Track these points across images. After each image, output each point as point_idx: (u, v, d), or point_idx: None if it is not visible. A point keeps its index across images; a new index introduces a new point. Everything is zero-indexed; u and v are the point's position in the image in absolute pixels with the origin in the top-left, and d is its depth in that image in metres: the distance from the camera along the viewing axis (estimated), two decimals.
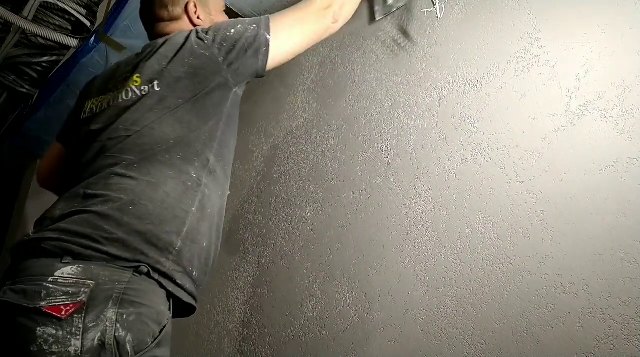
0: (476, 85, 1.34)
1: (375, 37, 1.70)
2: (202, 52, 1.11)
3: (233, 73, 1.13)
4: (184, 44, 1.13)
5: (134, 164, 1.05)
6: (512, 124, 1.23)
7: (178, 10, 1.29)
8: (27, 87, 2.91)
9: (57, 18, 2.55)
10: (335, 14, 1.23)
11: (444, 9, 1.45)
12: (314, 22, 1.21)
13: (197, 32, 1.15)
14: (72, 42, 2.50)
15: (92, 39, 2.27)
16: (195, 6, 1.29)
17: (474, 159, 1.28)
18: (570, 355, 0.98)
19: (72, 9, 2.46)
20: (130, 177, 1.03)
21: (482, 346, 1.10)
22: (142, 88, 1.12)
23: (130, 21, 2.17)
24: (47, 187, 1.36)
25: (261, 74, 1.17)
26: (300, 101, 1.91)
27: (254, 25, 1.15)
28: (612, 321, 0.95)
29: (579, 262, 1.02)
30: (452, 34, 1.45)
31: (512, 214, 1.16)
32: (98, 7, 2.48)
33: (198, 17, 1.29)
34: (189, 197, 1.06)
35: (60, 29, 2.55)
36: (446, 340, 1.17)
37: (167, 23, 1.28)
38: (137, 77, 1.13)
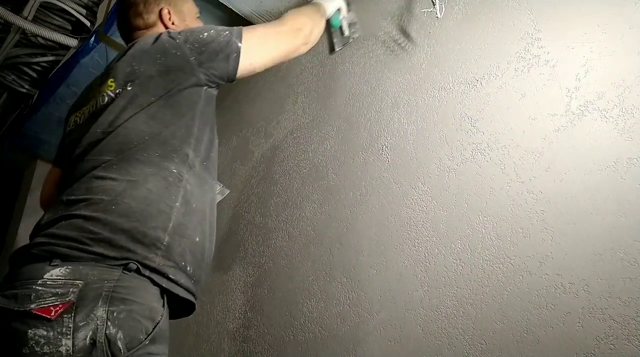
0: (476, 85, 1.34)
1: (375, 37, 1.70)
2: (174, 51, 1.13)
3: (205, 72, 1.14)
4: (153, 44, 1.15)
5: (112, 165, 1.06)
6: (512, 124, 1.23)
7: (152, 17, 1.31)
8: (27, 87, 2.90)
9: (57, 18, 2.55)
10: (306, 36, 1.27)
11: (444, 9, 1.45)
12: (287, 40, 1.24)
13: (168, 33, 1.17)
14: (72, 42, 2.50)
15: (92, 39, 2.27)
16: (169, 12, 1.32)
17: (474, 159, 1.28)
18: (570, 355, 0.98)
19: (72, 9, 2.46)
20: (110, 178, 1.04)
21: (482, 346, 1.10)
22: (117, 91, 1.13)
23: None
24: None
25: (232, 79, 1.18)
26: (300, 101, 1.91)
27: (227, 32, 1.16)
28: (612, 321, 0.95)
29: (579, 262, 1.02)
30: (452, 34, 1.45)
31: (512, 214, 1.16)
32: (98, 7, 2.48)
33: (172, 23, 1.32)
34: (172, 193, 1.06)
35: (60, 29, 2.55)
36: (446, 340, 1.17)
37: (144, 31, 1.31)
38: (112, 81, 1.15)
